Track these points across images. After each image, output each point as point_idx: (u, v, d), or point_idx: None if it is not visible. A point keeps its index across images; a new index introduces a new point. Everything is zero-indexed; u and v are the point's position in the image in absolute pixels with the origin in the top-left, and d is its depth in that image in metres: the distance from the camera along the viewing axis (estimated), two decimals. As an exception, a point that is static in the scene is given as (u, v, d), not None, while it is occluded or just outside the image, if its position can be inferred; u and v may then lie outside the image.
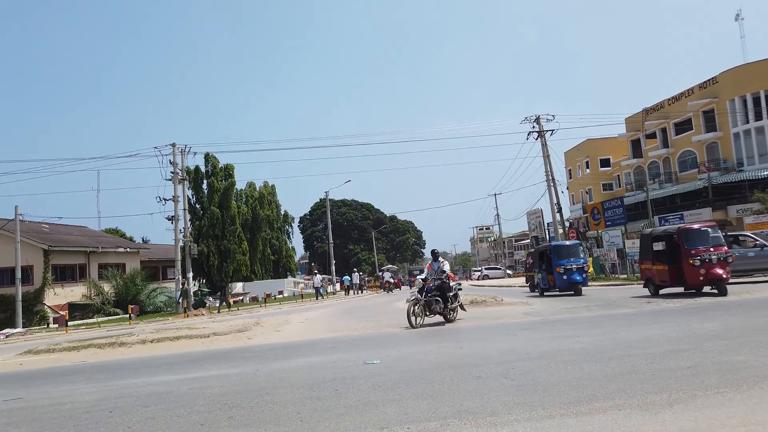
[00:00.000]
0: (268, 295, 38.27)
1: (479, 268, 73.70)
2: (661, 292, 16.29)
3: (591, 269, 27.95)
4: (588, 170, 58.78)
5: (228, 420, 5.07)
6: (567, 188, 61.46)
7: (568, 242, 24.43)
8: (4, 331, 25.12)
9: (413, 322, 12.28)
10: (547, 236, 46.10)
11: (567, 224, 44.11)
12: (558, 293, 21.17)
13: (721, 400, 4.47)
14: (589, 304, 15.11)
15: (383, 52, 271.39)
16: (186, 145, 31.57)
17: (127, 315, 26.41)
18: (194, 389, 6.82)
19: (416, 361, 7.87)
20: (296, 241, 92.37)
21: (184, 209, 32.22)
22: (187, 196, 36.15)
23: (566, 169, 63.15)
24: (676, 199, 43.56)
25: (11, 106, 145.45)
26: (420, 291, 12.86)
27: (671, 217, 37.33)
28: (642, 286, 17.92)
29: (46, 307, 33.22)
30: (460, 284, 14.52)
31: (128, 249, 42.37)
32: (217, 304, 33.48)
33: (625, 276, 28.88)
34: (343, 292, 46.67)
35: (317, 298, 37.37)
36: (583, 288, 20.48)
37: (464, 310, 14.18)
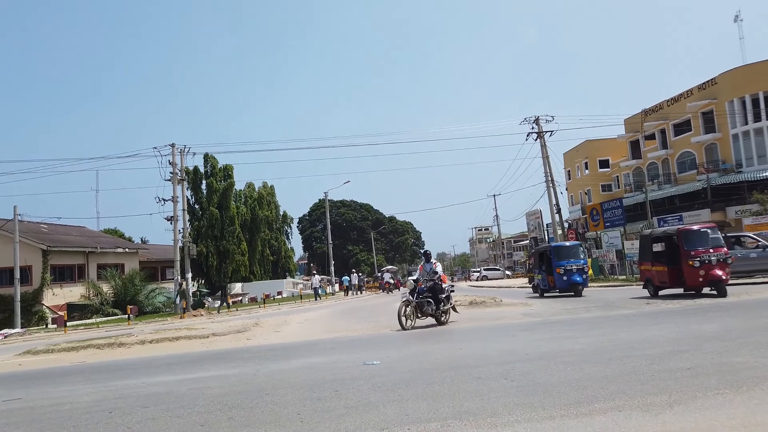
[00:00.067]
0: (267, 296, 38.24)
1: (478, 269, 73.72)
2: (661, 293, 16.29)
3: (590, 271, 27.94)
4: (587, 171, 58.83)
5: (228, 421, 5.07)
6: (566, 189, 61.53)
7: (568, 243, 24.39)
8: (2, 331, 25.08)
9: (404, 324, 12.08)
10: (546, 237, 46.12)
11: (566, 225, 44.16)
12: (558, 294, 21.14)
13: (721, 401, 4.47)
14: (588, 305, 15.12)
15: (383, 52, 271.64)
16: (185, 145, 31.57)
17: (126, 315, 26.38)
18: (194, 390, 6.81)
19: (416, 361, 7.87)
20: (295, 242, 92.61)
21: (183, 210, 32.22)
22: (186, 197, 36.18)
23: (565, 170, 63.19)
24: (675, 200, 43.60)
25: (11, 106, 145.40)
26: (411, 292, 12.66)
27: (670, 218, 37.37)
28: (641, 287, 17.93)
29: (44, 307, 33.18)
30: (453, 286, 14.40)
31: (127, 249, 42.34)
32: (217, 305, 33.47)
33: (624, 277, 28.88)
34: (342, 293, 46.67)
35: (316, 299, 37.36)
36: (583, 289, 20.47)
37: (457, 312, 13.93)
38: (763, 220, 27.63)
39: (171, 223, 30.90)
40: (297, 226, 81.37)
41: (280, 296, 44.78)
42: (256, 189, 53.86)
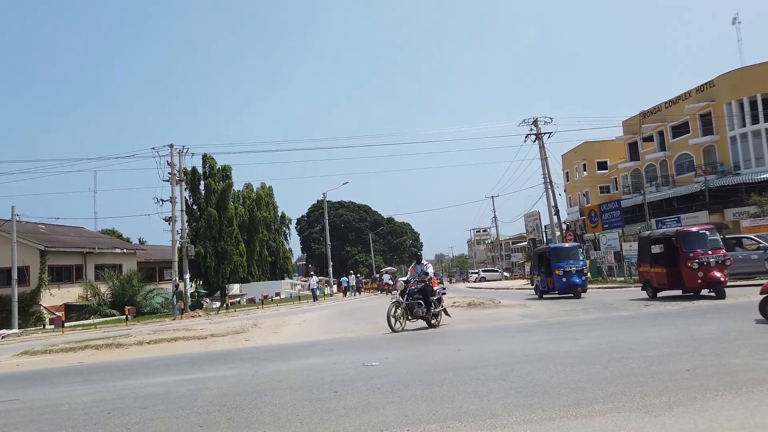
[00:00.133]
0: (265, 297, 38.19)
1: (476, 270, 73.67)
2: (659, 294, 16.30)
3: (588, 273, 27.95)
4: (585, 173, 58.88)
5: (227, 422, 5.06)
6: (564, 191, 61.53)
7: (567, 244, 24.36)
8: (0, 332, 25.02)
9: (394, 326, 11.84)
10: (545, 239, 46.13)
11: (564, 227, 44.17)
12: (557, 296, 21.12)
13: (720, 402, 4.48)
14: (586, 307, 15.13)
15: (383, 52, 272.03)
16: (184, 146, 31.48)
17: (124, 316, 26.33)
18: (192, 391, 6.80)
19: (415, 363, 7.86)
20: (293, 243, 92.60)
21: (182, 210, 32.15)
22: (185, 198, 36.08)
23: (563, 172, 63.23)
24: (673, 202, 43.65)
25: (11, 106, 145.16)
26: (402, 293, 12.41)
27: (668, 220, 37.40)
28: (640, 288, 17.95)
29: (42, 308, 33.10)
30: (444, 288, 14.22)
31: (125, 250, 42.27)
32: (215, 305, 33.44)
33: (622, 279, 28.90)
34: (341, 294, 46.64)
35: (314, 300, 37.33)
36: (584, 291, 20.44)
37: (448, 315, 13.56)
38: (761, 222, 27.66)
39: (169, 223, 30.84)
40: (295, 227, 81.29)
41: (278, 297, 44.74)
42: (255, 190, 53.81)
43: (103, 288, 34.10)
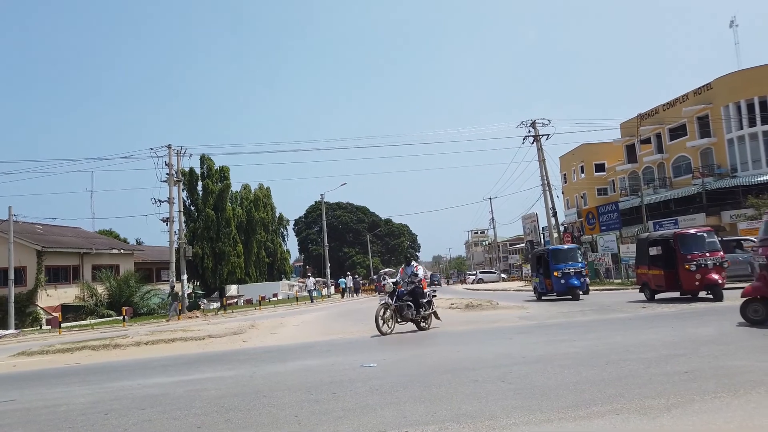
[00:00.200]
0: (263, 298, 38.16)
1: (474, 272, 73.72)
2: (657, 296, 16.32)
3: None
4: (583, 175, 58.97)
5: (225, 423, 5.05)
6: (562, 193, 61.57)
7: (565, 246, 24.34)
8: (-4, 332, 24.94)
9: (382, 329, 11.54)
10: (542, 241, 46.20)
11: (562, 228, 44.20)
12: (556, 298, 21.09)
13: (718, 404, 4.48)
14: (584, 309, 15.14)
15: (383, 52, 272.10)
16: (182, 146, 31.47)
17: (121, 317, 26.27)
18: (190, 392, 6.79)
19: (413, 364, 7.87)
20: (291, 244, 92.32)
21: (179, 211, 32.11)
22: (182, 198, 36.06)
23: (561, 174, 63.29)
24: (671, 204, 43.73)
25: (11, 106, 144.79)
26: (391, 295, 12.08)
27: (666, 222, 37.48)
28: (638, 290, 17.97)
29: (38, 308, 33.02)
30: (435, 291, 13.98)
31: (122, 250, 42.18)
32: (212, 306, 33.36)
33: (619, 281, 28.95)
34: (339, 295, 46.62)
35: (311, 301, 37.32)
36: (587, 292, 20.39)
37: (438, 319, 13.08)
38: (758, 225, 27.74)
39: (167, 224, 30.80)
40: (293, 228, 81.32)
41: (275, 298, 44.68)
42: (252, 191, 53.80)
43: (100, 289, 34.02)
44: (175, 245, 31.08)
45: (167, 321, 25.91)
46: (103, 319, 30.12)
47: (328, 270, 54.03)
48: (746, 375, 5.44)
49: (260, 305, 34.45)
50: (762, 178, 37.11)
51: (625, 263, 28.90)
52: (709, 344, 7.62)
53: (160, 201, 30.51)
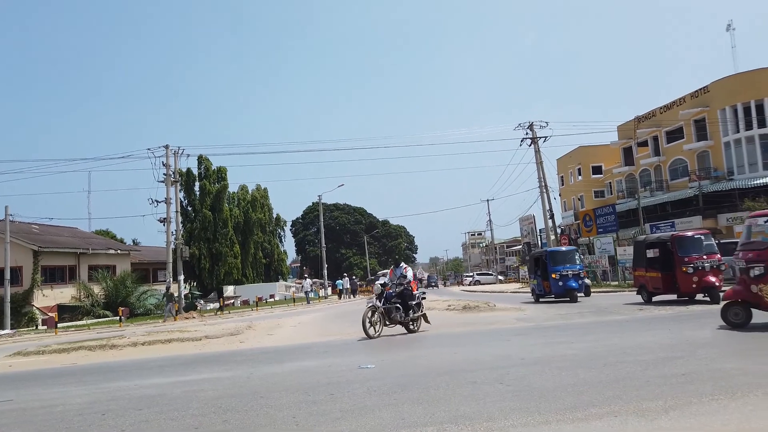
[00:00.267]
0: (260, 299, 38.10)
1: (471, 274, 73.73)
2: (654, 299, 16.36)
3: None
4: (580, 177, 59.07)
5: (223, 424, 5.04)
6: (559, 195, 61.68)
7: (563, 248, 24.28)
8: (-8, 332, 24.85)
9: (369, 332, 11.25)
10: (539, 242, 46.26)
11: (559, 230, 44.26)
12: (554, 300, 21.02)
13: (715, 407, 4.49)
14: (581, 311, 15.15)
15: (383, 52, 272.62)
16: (179, 147, 31.41)
17: (117, 317, 26.20)
18: (187, 392, 6.77)
19: (411, 365, 7.86)
20: (288, 245, 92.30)
21: (177, 211, 32.05)
22: (179, 199, 36.00)
23: (558, 176, 63.39)
24: (667, 206, 43.83)
25: (11, 106, 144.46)
26: (379, 297, 11.83)
27: (662, 225, 37.56)
28: (635, 293, 18.00)
29: (34, 308, 32.90)
30: (424, 293, 13.80)
31: (119, 251, 42.08)
32: (209, 307, 33.29)
33: (616, 283, 28.99)
34: (336, 297, 46.59)
35: (308, 303, 37.28)
36: (588, 294, 20.32)
37: (428, 322, 12.83)
38: (755, 228, 27.81)
39: (164, 224, 30.72)
40: (290, 229, 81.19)
41: (272, 299, 44.60)
42: (250, 191, 53.75)
43: (97, 289, 33.93)
44: (172, 246, 31.02)
45: (164, 322, 25.85)
46: (100, 320, 30.04)
47: (326, 271, 53.99)
48: (743, 377, 5.45)
49: (257, 306, 34.39)
50: (758, 182, 37.24)
51: (622, 265, 28.94)
52: (706, 347, 7.64)
53: (157, 201, 30.45)
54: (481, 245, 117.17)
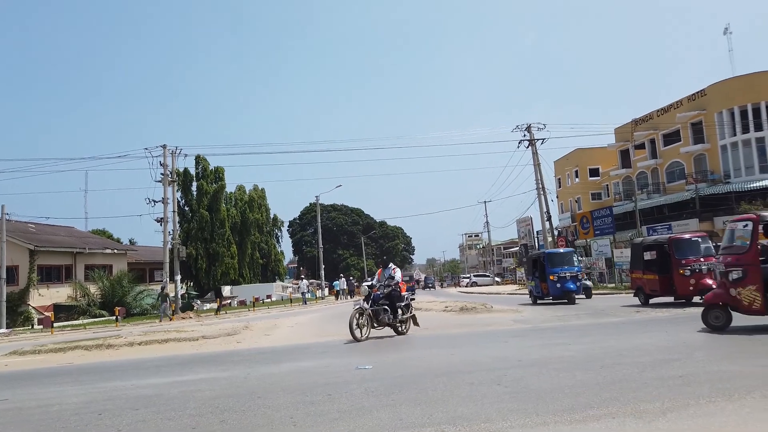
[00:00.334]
0: (257, 299, 38.07)
1: (468, 275, 73.81)
2: (651, 301, 16.39)
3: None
4: (577, 179, 59.21)
5: (220, 424, 5.02)
6: (556, 197, 61.82)
7: (562, 250, 24.27)
8: (-13, 331, 24.75)
9: (356, 335, 10.99)
10: (537, 244, 46.32)
11: (556, 232, 44.34)
12: (551, 302, 20.99)
13: (713, 409, 4.49)
14: (578, 313, 15.17)
15: (383, 52, 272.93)
16: (177, 146, 31.41)
17: (113, 317, 26.14)
18: (184, 392, 6.75)
19: (408, 366, 7.85)
20: (285, 245, 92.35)
21: (174, 211, 32.01)
22: (177, 199, 35.96)
23: (556, 178, 63.52)
24: (664, 209, 43.96)
25: (11, 106, 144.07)
26: (366, 299, 11.63)
27: (659, 227, 37.64)
28: (632, 295, 18.03)
29: (30, 308, 32.78)
30: (413, 295, 13.50)
31: (115, 250, 41.99)
32: (206, 307, 33.23)
33: (613, 285, 29.05)
34: (333, 297, 46.58)
35: (304, 303, 37.27)
36: (586, 297, 20.30)
37: (417, 325, 12.62)
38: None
39: (161, 224, 30.69)
40: (287, 230, 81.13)
41: (269, 300, 44.57)
42: (247, 191, 53.68)
43: (93, 288, 33.82)
44: (169, 245, 30.98)
45: (160, 322, 25.79)
46: (96, 319, 29.95)
47: (323, 272, 53.95)
48: (741, 380, 5.46)
49: (254, 306, 34.37)
50: (755, 185, 37.38)
51: (618, 268, 29.00)
52: (704, 349, 7.66)
53: (154, 201, 30.41)
54: (478, 247, 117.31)
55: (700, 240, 15.38)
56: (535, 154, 36.25)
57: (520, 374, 6.47)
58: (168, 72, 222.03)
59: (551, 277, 20.14)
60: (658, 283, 15.73)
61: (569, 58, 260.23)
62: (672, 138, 45.42)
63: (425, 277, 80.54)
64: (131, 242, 57.75)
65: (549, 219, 36.73)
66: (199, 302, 39.03)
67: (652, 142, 47.61)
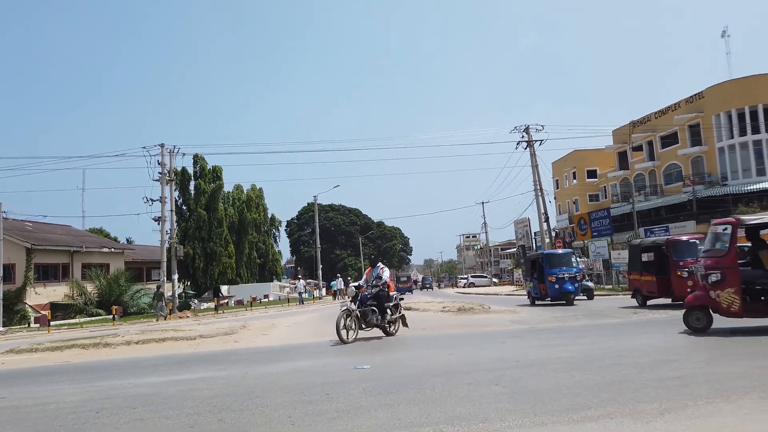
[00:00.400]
0: (254, 299, 38.03)
1: (465, 276, 73.82)
2: (649, 303, 16.40)
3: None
4: (575, 181, 59.28)
5: (218, 423, 5.02)
6: (554, 198, 61.86)
7: (560, 251, 24.21)
8: (-17, 329, 24.67)
9: (344, 336, 10.76)
10: (534, 245, 46.35)
11: (554, 234, 44.39)
12: (550, 303, 20.91)
13: (711, 410, 4.50)
14: (576, 314, 15.19)
15: (383, 52, 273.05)
16: (174, 145, 31.35)
17: (110, 316, 26.08)
18: (182, 391, 6.74)
19: (406, 366, 7.86)
20: (283, 245, 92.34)
21: (171, 210, 31.94)
22: (174, 198, 35.88)
23: (553, 179, 63.56)
24: (661, 211, 44.03)
25: (11, 106, 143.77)
26: (353, 300, 11.43)
27: (656, 229, 37.71)
28: (630, 296, 18.05)
29: (27, 306, 32.70)
30: (402, 295, 13.44)
31: (112, 249, 41.91)
32: (203, 306, 33.18)
33: (610, 287, 29.08)
34: (331, 297, 46.55)
35: (301, 303, 37.25)
36: (582, 298, 20.26)
37: (406, 326, 12.39)
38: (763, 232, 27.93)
39: (158, 223, 30.64)
40: (285, 230, 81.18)
41: (266, 299, 44.53)
42: (245, 191, 53.65)
43: (90, 287, 33.74)
44: (167, 245, 30.92)
45: (157, 321, 25.75)
46: (93, 318, 29.88)
47: (320, 272, 53.92)
48: (738, 381, 5.47)
49: (251, 306, 34.32)
50: (752, 187, 37.46)
51: (616, 269, 29.03)
52: (701, 350, 7.67)
53: (152, 200, 30.36)
54: (475, 247, 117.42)
55: (697, 242, 15.39)
56: (533, 155, 36.27)
57: (518, 375, 6.47)
58: (168, 72, 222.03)
59: (550, 279, 20.06)
60: (655, 284, 15.74)
61: (569, 59, 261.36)
62: (669, 140, 45.50)
63: (423, 278, 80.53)
64: (128, 241, 57.63)
65: (547, 220, 36.76)
66: (196, 301, 38.97)
67: (650, 144, 47.69)
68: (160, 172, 30.47)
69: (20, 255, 33.11)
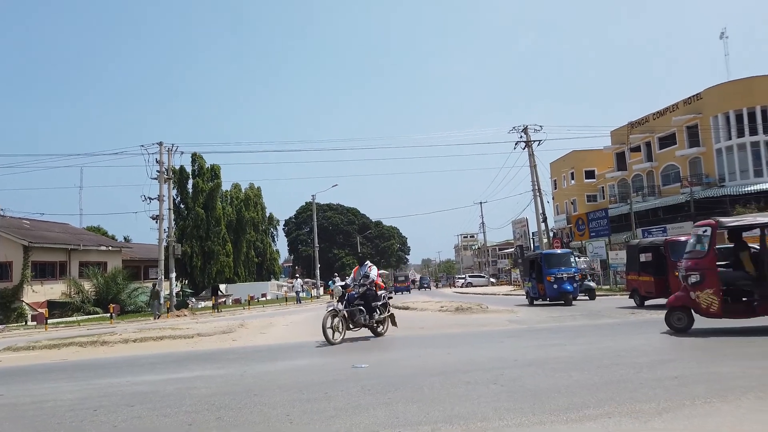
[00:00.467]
0: (252, 298, 38.03)
1: (463, 276, 73.88)
2: (647, 303, 16.43)
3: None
4: (573, 181, 59.35)
5: (216, 421, 5.01)
6: (552, 198, 61.91)
7: (558, 251, 24.20)
8: (-20, 327, 24.62)
9: (331, 337, 10.50)
10: (532, 246, 46.40)
11: (552, 234, 44.42)
12: (548, 303, 20.87)
13: (708, 410, 4.51)
14: (574, 314, 15.20)
15: (383, 52, 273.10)
16: (173, 144, 31.35)
17: (107, 314, 26.06)
18: (180, 389, 6.73)
19: (405, 365, 7.85)
20: (281, 244, 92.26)
21: (169, 209, 31.93)
22: (172, 196, 35.84)
23: (551, 180, 63.64)
24: (659, 212, 44.12)
25: (11, 106, 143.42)
26: (340, 299, 11.21)
27: (654, 230, 37.79)
28: (628, 296, 18.08)
29: (24, 304, 32.63)
30: (391, 294, 13.10)
31: (110, 247, 41.83)
32: (201, 305, 33.15)
33: (608, 287, 29.12)
34: (329, 296, 46.56)
35: (299, 302, 37.25)
36: (583, 297, 20.23)
37: (395, 325, 12.21)
38: (746, 234, 28.00)
39: (156, 222, 30.65)
40: (283, 229, 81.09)
41: (264, 298, 44.53)
42: (243, 190, 53.59)
43: (87, 285, 33.71)
44: (164, 243, 30.90)
45: (155, 319, 25.72)
46: (90, 316, 29.86)
47: (318, 271, 53.89)
48: (736, 381, 5.48)
49: (249, 305, 34.34)
50: (749, 188, 37.56)
51: (613, 269, 29.08)
52: (699, 350, 7.69)
53: (150, 198, 30.39)
54: (473, 247, 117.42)
55: (695, 242, 15.43)
56: (531, 155, 36.31)
57: (516, 374, 6.47)
58: (168, 71, 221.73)
59: (548, 278, 20.04)
60: (653, 284, 15.78)
61: (569, 59, 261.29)
62: (668, 141, 45.59)
63: (420, 278, 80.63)
64: (126, 239, 57.57)
65: (545, 220, 36.79)
66: (194, 300, 38.97)
67: (648, 144, 47.78)
68: (158, 171, 30.46)
69: (17, 253, 33.03)
